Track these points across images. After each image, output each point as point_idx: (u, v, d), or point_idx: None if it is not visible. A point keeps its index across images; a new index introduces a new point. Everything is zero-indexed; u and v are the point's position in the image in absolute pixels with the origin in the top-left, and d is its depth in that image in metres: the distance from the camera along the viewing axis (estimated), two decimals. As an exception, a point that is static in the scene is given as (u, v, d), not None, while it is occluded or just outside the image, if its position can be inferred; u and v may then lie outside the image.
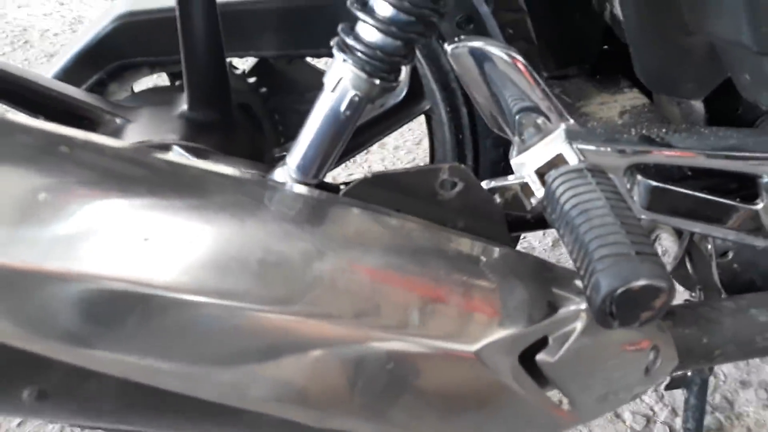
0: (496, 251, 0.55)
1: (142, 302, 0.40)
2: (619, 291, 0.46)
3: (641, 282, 0.46)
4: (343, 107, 0.54)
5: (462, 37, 0.54)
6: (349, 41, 0.52)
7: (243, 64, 0.85)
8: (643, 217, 0.67)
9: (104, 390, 0.44)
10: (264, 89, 0.84)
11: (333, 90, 0.54)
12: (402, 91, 0.76)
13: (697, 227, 0.68)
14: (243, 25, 0.76)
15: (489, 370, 0.48)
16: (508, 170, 0.77)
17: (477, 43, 0.55)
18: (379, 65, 0.52)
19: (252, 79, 0.83)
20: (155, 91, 0.80)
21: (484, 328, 0.48)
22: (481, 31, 0.65)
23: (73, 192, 0.43)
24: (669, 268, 1.01)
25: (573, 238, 0.51)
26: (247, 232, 0.45)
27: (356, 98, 0.54)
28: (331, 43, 0.54)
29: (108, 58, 0.76)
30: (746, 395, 1.20)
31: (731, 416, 1.17)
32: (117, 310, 0.40)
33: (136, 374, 0.42)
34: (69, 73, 0.75)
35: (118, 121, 0.69)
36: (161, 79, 0.85)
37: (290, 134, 0.89)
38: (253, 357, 0.43)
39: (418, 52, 0.68)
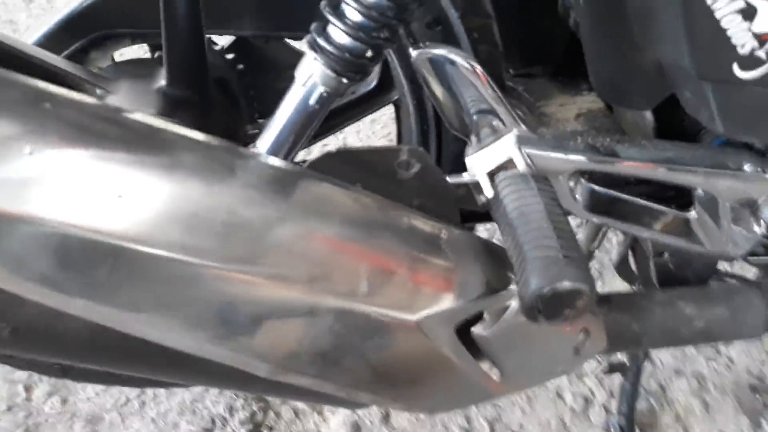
0: (446, 230, 0.60)
1: (112, 253, 0.45)
2: (546, 290, 0.52)
3: (565, 284, 0.52)
4: (312, 101, 0.59)
5: (426, 44, 0.59)
6: (320, 41, 0.56)
7: (221, 40, 0.88)
8: (588, 219, 0.73)
9: (74, 330, 0.49)
10: (241, 66, 0.87)
11: (303, 84, 0.58)
12: (373, 81, 0.79)
13: (634, 230, 0.74)
14: (223, 4, 0.78)
15: (427, 339, 0.54)
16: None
17: (439, 51, 0.59)
18: (348, 66, 0.56)
19: (230, 56, 0.86)
20: (135, 63, 0.83)
21: (427, 300, 0.54)
22: (448, 33, 0.69)
23: (54, 145, 0.47)
24: (613, 263, 1.08)
25: (511, 238, 0.56)
26: (214, 194, 0.49)
27: (325, 94, 0.58)
28: (304, 40, 0.58)
29: (93, 27, 0.78)
30: (679, 384, 1.29)
31: (663, 401, 1.26)
32: (88, 258, 0.45)
33: (103, 318, 0.47)
34: (52, 39, 0.78)
35: (97, 91, 0.72)
36: (142, 49, 0.88)
37: (265, 111, 0.92)
38: (212, 311, 0.48)
39: (388, 47, 0.72)
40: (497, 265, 0.60)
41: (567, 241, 0.54)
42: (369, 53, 0.56)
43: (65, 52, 0.79)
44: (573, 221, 0.60)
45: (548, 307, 0.53)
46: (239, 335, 0.48)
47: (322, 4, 0.56)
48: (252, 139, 0.81)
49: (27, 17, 2.02)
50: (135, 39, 0.82)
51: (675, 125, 0.82)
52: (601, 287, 1.41)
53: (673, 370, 1.31)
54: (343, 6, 0.55)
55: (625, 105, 0.75)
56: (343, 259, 0.50)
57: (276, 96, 0.91)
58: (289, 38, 0.85)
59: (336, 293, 0.50)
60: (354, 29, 0.55)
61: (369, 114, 0.84)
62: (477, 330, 0.57)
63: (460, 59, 0.62)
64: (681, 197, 0.77)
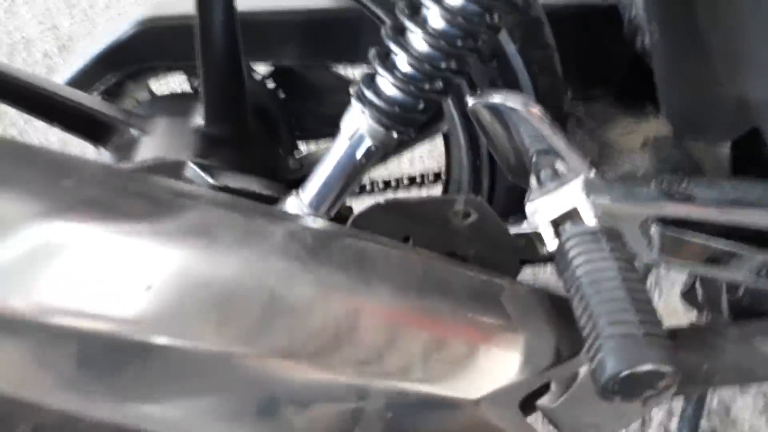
0: (508, 287, 0.55)
1: (141, 351, 0.41)
2: (624, 374, 0.46)
3: (646, 367, 0.46)
4: (359, 155, 0.54)
5: (482, 91, 0.53)
6: (368, 94, 0.51)
7: (261, 67, 0.83)
8: (665, 264, 0.67)
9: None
10: (283, 94, 0.82)
11: (350, 138, 0.54)
12: (421, 113, 0.74)
13: (714, 272, 0.68)
14: (264, 33, 0.74)
15: (490, 420, 0.49)
16: (522, 198, 0.77)
17: (496, 99, 0.54)
18: (398, 119, 0.51)
19: (271, 84, 0.82)
20: (172, 98, 0.79)
21: (488, 375, 0.49)
22: (505, 67, 0.64)
23: (72, 231, 0.42)
24: (681, 290, 1.01)
25: (582, 307, 0.51)
26: (252, 273, 0.44)
27: (372, 148, 0.53)
28: (351, 91, 0.53)
29: (128, 62, 0.75)
30: (744, 401, 1.21)
31: (726, 421, 1.19)
32: (113, 359, 0.41)
33: (132, 421, 0.43)
34: (87, 75, 0.75)
35: (133, 132, 0.69)
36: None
37: (307, 137, 0.88)
38: (253, 404, 0.44)
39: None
40: (565, 325, 0.54)
41: (646, 315, 0.49)
42: (421, 107, 0.51)
43: (102, 85, 0.76)
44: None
45: (626, 390, 0.48)
46: (283, 427, 0.44)
47: (371, 52, 0.51)
48: (294, 174, 0.77)
49: (70, 24, 2.01)
50: (170, 70, 0.78)
51: (754, 154, 0.75)
52: (657, 300, 1.34)
53: (737, 387, 1.24)
54: (394, 56, 0.50)
55: (701, 138, 0.68)
56: (394, 336, 0.46)
57: (318, 121, 0.88)
58: (332, 62, 0.80)
59: (387, 374, 0.45)
60: (405, 82, 0.49)
61: (415, 145, 0.79)
62: (544, 403, 0.52)
63: (519, 103, 0.56)
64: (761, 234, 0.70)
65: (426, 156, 1.64)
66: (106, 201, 0.43)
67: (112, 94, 0.78)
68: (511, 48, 0.62)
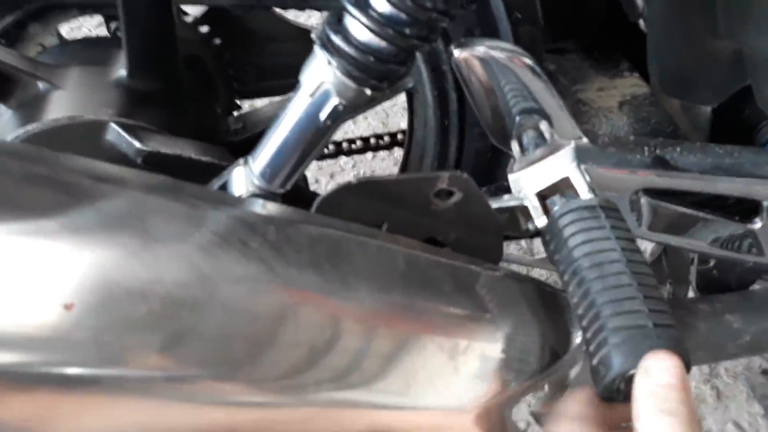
0: (496, 281, 0.47)
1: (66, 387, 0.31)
2: (633, 372, 0.40)
3: (659, 362, 0.40)
4: (322, 116, 0.45)
5: (465, 39, 0.45)
6: (337, 40, 0.42)
7: (192, 8, 0.72)
8: (649, 239, 0.62)
9: None
10: (218, 40, 0.71)
11: (312, 94, 0.44)
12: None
13: (698, 246, 0.64)
14: (196, -32, 0.63)
15: (482, 429, 0.43)
16: (493, 162, 0.70)
17: (482, 47, 0.46)
18: (371, 72, 0.42)
19: (204, 29, 0.71)
20: (88, 44, 0.67)
21: (478, 386, 0.42)
22: (484, 14, 0.55)
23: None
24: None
25: (581, 292, 0.44)
26: (200, 284, 0.35)
27: (340, 107, 0.44)
28: (312, 35, 0.43)
29: (29, -3, 0.62)
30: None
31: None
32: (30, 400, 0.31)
33: None
34: (-23, 12, 0.62)
35: (40, 85, 0.57)
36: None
37: (246, 93, 0.78)
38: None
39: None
40: (555, 317, 0.48)
41: (654, 302, 0.43)
42: (400, 56, 0.42)
43: (-4, 29, 0.63)
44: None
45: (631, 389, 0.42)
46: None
47: (340, -12, 0.42)
48: (236, 136, 0.67)
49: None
50: (84, 9, 0.66)
51: (733, 114, 0.70)
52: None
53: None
54: (369, -6, 0.41)
55: (690, 99, 0.63)
56: (362, 350, 0.38)
57: (259, 75, 0.77)
58: (277, 6, 0.70)
59: (359, 395, 0.38)
60: (383, 25, 0.40)
61: (376, 105, 0.70)
62: (537, 410, 0.46)
63: (508, 52, 0.48)
64: (741, 204, 0.66)
65: (371, 115, 1.54)
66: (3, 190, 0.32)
67: (11, 39, 0.65)
68: (491, -10, 0.54)
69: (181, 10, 0.70)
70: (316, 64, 0.44)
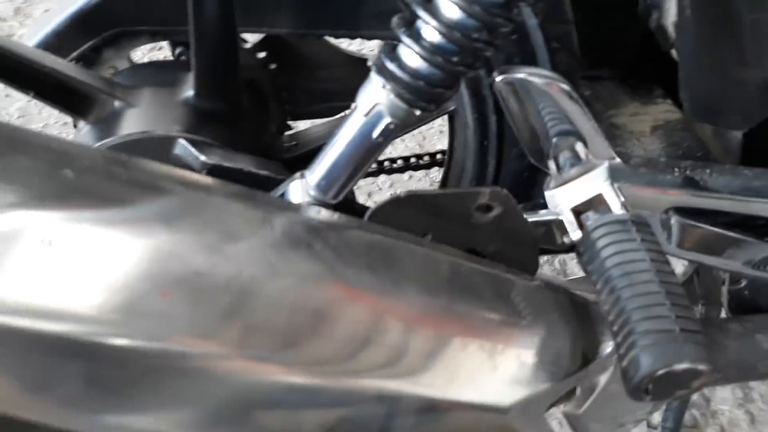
0: (535, 289, 0.51)
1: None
2: (660, 372, 0.43)
3: (684, 365, 0.43)
4: (375, 134, 0.49)
5: (506, 67, 0.49)
6: (391, 66, 0.46)
7: (251, 36, 0.78)
8: (680, 257, 0.65)
9: None
10: (273, 65, 0.77)
11: (366, 114, 0.49)
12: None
13: (730, 266, 0.66)
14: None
15: (517, 427, 0.46)
16: (529, 182, 0.74)
17: (522, 74, 0.50)
18: (421, 95, 0.47)
19: (261, 54, 0.76)
20: (158, 67, 0.73)
21: (513, 386, 0.46)
22: (523, 43, 0.60)
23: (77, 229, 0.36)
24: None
25: (612, 300, 0.48)
26: (269, 276, 0.40)
27: (391, 126, 0.49)
28: (369, 63, 0.48)
29: (106, 25, 0.68)
30: (723, 393, 1.22)
31: (707, 414, 1.19)
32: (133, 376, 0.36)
33: None
34: (60, 37, 0.68)
35: (116, 103, 0.63)
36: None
37: (297, 114, 0.83)
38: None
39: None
40: (587, 325, 0.51)
41: (681, 309, 0.46)
42: (447, 81, 0.47)
43: (74, 53, 0.69)
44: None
45: (659, 389, 0.45)
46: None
47: (394, 20, 0.46)
48: (289, 153, 0.72)
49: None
50: (155, 36, 0.72)
51: (763, 143, 0.73)
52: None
53: (715, 378, 1.24)
54: (420, 23, 0.45)
55: (721, 124, 0.66)
56: (425, 342, 0.42)
57: (310, 98, 0.83)
58: (330, 36, 0.75)
59: (416, 381, 0.41)
60: (433, 53, 0.45)
61: (418, 126, 0.74)
62: (569, 409, 0.49)
63: (546, 78, 0.52)
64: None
65: (408, 138, 1.59)
66: (109, 193, 0.38)
67: (87, 62, 0.72)
68: (532, 21, 0.58)
69: (240, 37, 0.75)
70: (372, 87, 0.48)
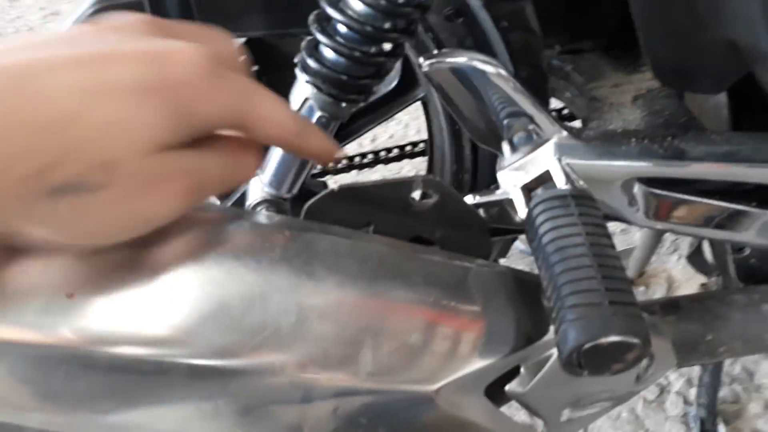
0: (471, 270, 0.51)
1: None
2: (587, 346, 0.43)
3: (611, 338, 0.43)
4: (310, 128, 0.51)
5: (432, 53, 0.50)
6: (311, 63, 0.48)
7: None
8: (651, 227, 0.63)
9: None
10: (256, 67, 0.80)
11: (299, 109, 0.51)
12: (394, 80, 0.71)
13: (710, 234, 0.64)
14: (225, 5, 0.71)
15: (452, 410, 0.47)
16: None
17: (454, 59, 0.50)
18: (345, 88, 0.48)
19: (242, 58, 0.79)
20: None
21: (447, 363, 0.46)
22: (472, 25, 0.60)
23: None
24: (685, 253, 0.96)
25: (548, 276, 0.48)
26: (188, 278, 0.42)
27: (323, 119, 0.51)
28: (295, 60, 0.50)
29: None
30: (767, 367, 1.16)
31: (749, 388, 1.14)
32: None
33: None
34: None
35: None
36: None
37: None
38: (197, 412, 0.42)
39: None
40: (534, 305, 0.51)
41: (614, 281, 0.45)
42: (370, 71, 0.48)
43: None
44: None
45: (591, 363, 0.45)
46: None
47: (310, 18, 0.48)
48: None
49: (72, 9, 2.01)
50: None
51: (756, 102, 0.70)
52: (675, 263, 1.29)
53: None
54: (334, 20, 0.47)
55: (692, 89, 0.64)
56: (339, 328, 0.43)
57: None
58: (303, 34, 0.77)
59: (333, 370, 0.43)
60: (347, 47, 0.46)
61: (395, 114, 0.75)
62: (512, 387, 0.49)
63: (481, 64, 0.52)
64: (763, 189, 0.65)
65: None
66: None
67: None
68: (475, 2, 0.58)
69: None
70: (299, 83, 0.50)
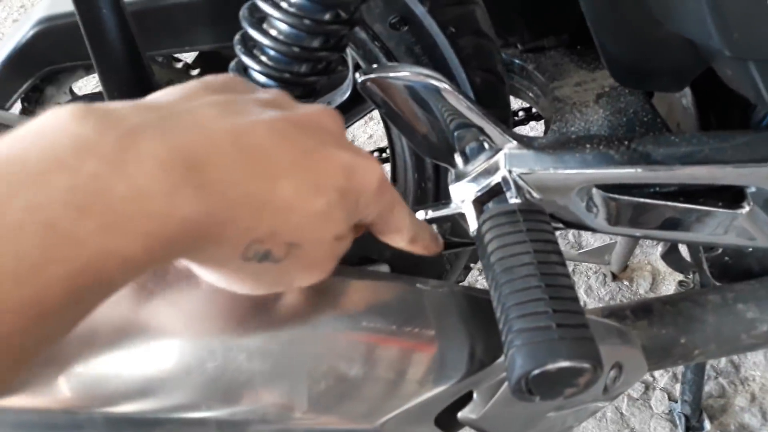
0: (423, 292, 0.49)
1: None
2: (535, 373, 0.41)
3: (560, 363, 0.41)
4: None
5: (371, 66, 0.47)
6: (249, 62, 0.45)
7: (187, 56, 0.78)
8: (613, 234, 0.61)
9: None
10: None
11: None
12: (348, 89, 0.68)
13: (676, 237, 0.62)
14: (172, 20, 0.69)
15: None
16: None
17: (390, 73, 0.48)
18: (289, 87, 0.46)
19: (195, 71, 0.77)
20: (91, 98, 0.75)
21: (391, 396, 0.44)
22: (418, 32, 0.57)
23: None
24: (660, 251, 0.94)
25: (497, 297, 0.46)
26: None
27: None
28: (231, 65, 0.48)
29: (36, 65, 0.71)
30: (754, 358, 1.14)
31: (735, 381, 1.12)
32: None
33: None
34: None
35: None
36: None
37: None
38: None
39: (353, 53, 0.61)
40: (489, 326, 0.49)
41: (562, 302, 0.43)
42: (314, 68, 0.46)
43: (15, 96, 0.72)
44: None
45: (541, 389, 0.43)
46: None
47: (235, 39, 0.46)
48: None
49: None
50: (89, 69, 0.74)
51: (722, 97, 0.67)
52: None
53: (748, 342, 1.17)
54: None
55: (651, 88, 0.61)
56: (271, 367, 0.41)
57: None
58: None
59: (268, 411, 0.41)
60: (276, 70, 0.44)
61: (349, 126, 0.73)
62: (465, 414, 0.47)
63: (411, 74, 0.50)
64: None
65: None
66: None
67: (31, 102, 0.75)
68: (419, 9, 0.55)
69: (173, 57, 0.76)
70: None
